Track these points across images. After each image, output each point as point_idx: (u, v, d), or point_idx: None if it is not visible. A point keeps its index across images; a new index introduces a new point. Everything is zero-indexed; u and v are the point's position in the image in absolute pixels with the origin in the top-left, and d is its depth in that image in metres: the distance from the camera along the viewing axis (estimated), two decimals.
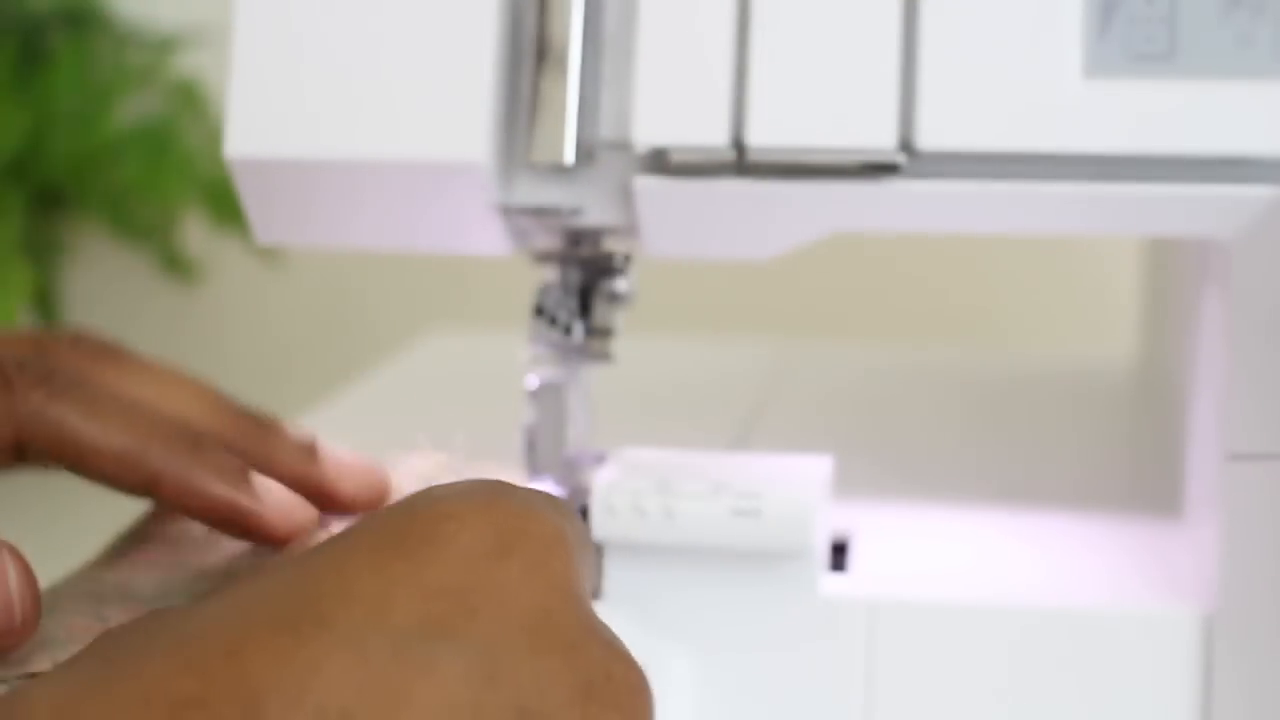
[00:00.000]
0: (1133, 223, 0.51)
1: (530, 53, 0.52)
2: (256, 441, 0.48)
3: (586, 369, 0.56)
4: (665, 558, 0.52)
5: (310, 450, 0.48)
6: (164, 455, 0.44)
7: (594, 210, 0.53)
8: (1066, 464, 0.68)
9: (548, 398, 0.56)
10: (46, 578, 0.45)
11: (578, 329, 0.55)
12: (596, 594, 0.52)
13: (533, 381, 0.56)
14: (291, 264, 1.17)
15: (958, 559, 0.56)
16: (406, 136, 0.51)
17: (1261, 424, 0.50)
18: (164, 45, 1.08)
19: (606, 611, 0.52)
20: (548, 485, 0.55)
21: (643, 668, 0.38)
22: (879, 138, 0.50)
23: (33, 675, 0.40)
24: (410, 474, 0.49)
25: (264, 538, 0.46)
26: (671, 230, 0.53)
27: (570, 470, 0.55)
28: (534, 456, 0.56)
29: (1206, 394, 0.54)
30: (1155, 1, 0.49)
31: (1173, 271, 0.68)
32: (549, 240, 0.55)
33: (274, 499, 0.46)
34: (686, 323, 1.06)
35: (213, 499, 0.45)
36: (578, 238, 0.55)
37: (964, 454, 0.69)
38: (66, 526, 0.64)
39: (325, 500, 0.49)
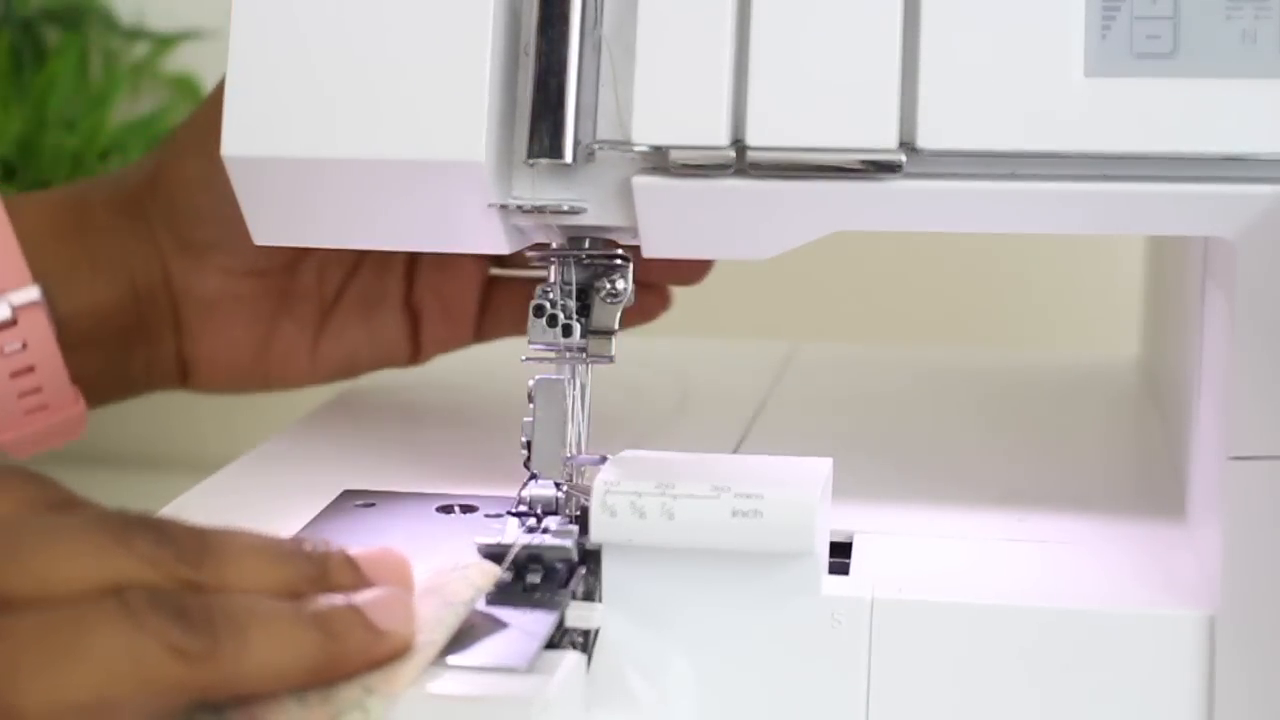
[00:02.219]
0: (1135, 222, 0.51)
1: (529, 52, 0.52)
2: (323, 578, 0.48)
3: (586, 369, 0.56)
4: (665, 559, 0.52)
5: (355, 566, 0.49)
6: (323, 650, 0.45)
7: (594, 210, 0.52)
8: (1069, 464, 0.67)
9: (548, 397, 0.55)
10: None
11: (577, 329, 0.55)
12: (594, 596, 0.52)
13: (533, 381, 0.56)
14: None
15: (960, 559, 0.55)
16: (405, 135, 0.51)
17: (1264, 425, 0.50)
18: (161, 42, 1.08)
19: (607, 612, 0.52)
20: (548, 486, 0.55)
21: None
22: (879, 138, 0.49)
23: None
24: (463, 580, 0.50)
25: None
26: (671, 230, 0.52)
27: (570, 471, 0.55)
28: (534, 456, 0.55)
29: (1209, 394, 0.54)
30: (1158, 0, 0.49)
31: (1175, 271, 0.68)
32: (548, 240, 0.55)
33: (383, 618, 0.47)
34: (686, 323, 1.05)
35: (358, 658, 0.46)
36: (578, 237, 0.55)
37: (966, 454, 0.68)
38: None
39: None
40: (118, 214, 0.69)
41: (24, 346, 0.65)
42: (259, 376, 0.73)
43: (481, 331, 0.76)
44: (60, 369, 0.67)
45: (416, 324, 0.75)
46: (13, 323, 0.65)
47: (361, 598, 0.46)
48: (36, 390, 0.66)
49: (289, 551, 0.47)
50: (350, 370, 0.74)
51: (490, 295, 0.75)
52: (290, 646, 0.44)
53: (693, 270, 0.72)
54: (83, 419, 0.68)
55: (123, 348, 0.70)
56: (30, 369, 0.66)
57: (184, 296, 0.70)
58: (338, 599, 0.46)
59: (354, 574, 0.48)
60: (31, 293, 0.65)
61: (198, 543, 0.45)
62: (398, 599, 0.47)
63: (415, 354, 0.75)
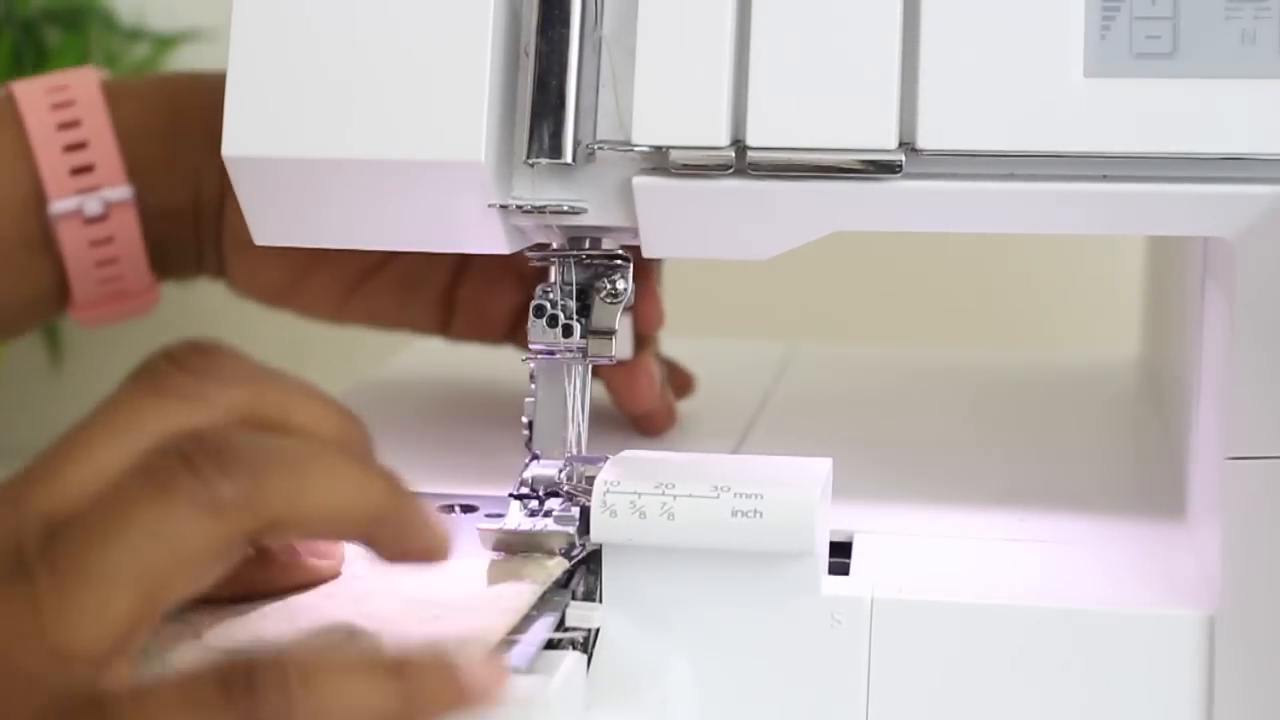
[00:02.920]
0: (1134, 222, 0.51)
1: (530, 52, 0.52)
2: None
3: (586, 369, 0.56)
4: (665, 559, 0.52)
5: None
6: (388, 499, 0.44)
7: (594, 210, 0.52)
8: (1069, 465, 0.67)
9: (549, 378, 0.56)
10: None
11: (578, 329, 0.55)
12: (594, 596, 0.52)
13: (532, 379, 0.56)
14: None
15: (959, 559, 0.55)
16: (405, 136, 0.51)
17: (1263, 425, 0.50)
18: (162, 42, 1.08)
19: (607, 612, 0.52)
20: (549, 467, 0.55)
21: None
22: (879, 138, 0.49)
23: None
24: (539, 566, 0.51)
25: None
26: (671, 230, 0.52)
27: (570, 472, 0.55)
28: (535, 436, 0.55)
29: (1209, 394, 0.54)
30: (1158, 1, 0.49)
31: (1175, 271, 0.68)
32: (548, 240, 0.55)
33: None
34: (686, 323, 1.05)
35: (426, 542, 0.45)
36: (578, 237, 0.55)
37: (966, 455, 0.68)
38: None
39: None
40: (202, 127, 0.69)
41: (110, 239, 0.69)
42: (285, 306, 0.75)
43: (514, 340, 0.76)
44: (141, 260, 0.70)
45: (449, 315, 0.75)
46: (104, 217, 0.69)
47: None
48: (118, 278, 0.70)
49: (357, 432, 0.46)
50: (376, 327, 0.76)
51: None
52: (355, 490, 0.43)
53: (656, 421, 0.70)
54: (156, 300, 0.72)
55: (179, 250, 0.73)
56: (114, 260, 0.70)
57: (229, 228, 0.72)
58: None
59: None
60: (124, 191, 0.69)
61: (251, 364, 0.44)
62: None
63: (443, 334, 0.76)
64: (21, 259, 0.69)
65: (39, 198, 0.68)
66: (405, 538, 0.44)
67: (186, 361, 0.43)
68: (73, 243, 0.68)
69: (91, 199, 0.68)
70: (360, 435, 0.46)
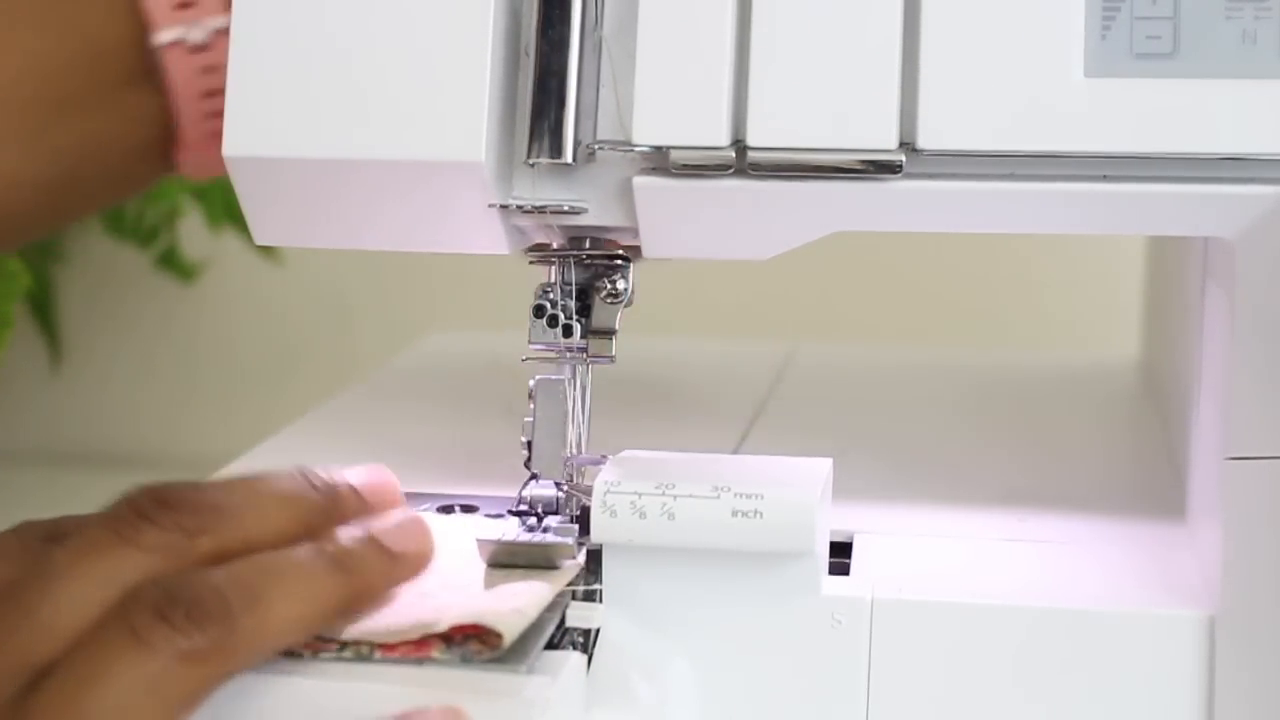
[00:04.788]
0: (1135, 222, 0.51)
1: (530, 52, 0.52)
2: (339, 515, 0.50)
3: (586, 369, 0.56)
4: (666, 559, 0.52)
5: (360, 493, 0.51)
6: (345, 587, 0.47)
7: (594, 210, 0.52)
8: (1069, 464, 0.67)
9: (547, 397, 0.56)
10: None
11: (578, 329, 0.55)
12: (594, 596, 0.52)
13: (533, 381, 0.56)
14: (291, 264, 1.17)
15: (960, 559, 0.55)
16: (406, 136, 0.51)
17: (1263, 425, 0.50)
18: None
19: (607, 612, 0.52)
20: (548, 486, 0.55)
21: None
22: (879, 138, 0.49)
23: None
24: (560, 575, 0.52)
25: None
26: (671, 230, 0.52)
27: (570, 472, 0.55)
28: (534, 456, 0.55)
29: (1209, 395, 0.54)
30: (1158, 1, 0.49)
31: (1175, 271, 0.68)
32: (548, 240, 0.55)
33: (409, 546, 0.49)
34: (687, 323, 1.05)
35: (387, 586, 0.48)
36: (578, 238, 0.55)
37: (966, 455, 0.68)
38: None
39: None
40: None
41: (216, 68, 0.66)
42: None
43: None
44: None
45: None
46: (208, 46, 0.65)
47: (378, 525, 0.48)
48: (220, 114, 0.68)
49: (296, 491, 0.48)
50: None
51: None
52: (311, 595, 0.45)
53: None
54: None
55: None
56: (220, 90, 0.64)
57: None
58: (355, 531, 0.47)
59: (361, 501, 0.49)
60: (227, 19, 0.63)
61: (207, 507, 0.46)
62: (413, 521, 0.49)
63: None
64: (126, 98, 0.65)
65: (140, 32, 0.64)
66: (382, 585, 0.47)
67: (150, 513, 0.45)
68: (178, 71, 0.65)
69: (195, 28, 0.64)
70: (315, 506, 0.48)
